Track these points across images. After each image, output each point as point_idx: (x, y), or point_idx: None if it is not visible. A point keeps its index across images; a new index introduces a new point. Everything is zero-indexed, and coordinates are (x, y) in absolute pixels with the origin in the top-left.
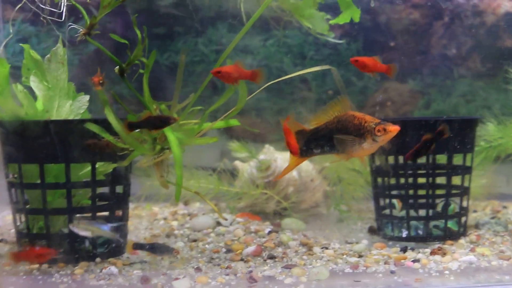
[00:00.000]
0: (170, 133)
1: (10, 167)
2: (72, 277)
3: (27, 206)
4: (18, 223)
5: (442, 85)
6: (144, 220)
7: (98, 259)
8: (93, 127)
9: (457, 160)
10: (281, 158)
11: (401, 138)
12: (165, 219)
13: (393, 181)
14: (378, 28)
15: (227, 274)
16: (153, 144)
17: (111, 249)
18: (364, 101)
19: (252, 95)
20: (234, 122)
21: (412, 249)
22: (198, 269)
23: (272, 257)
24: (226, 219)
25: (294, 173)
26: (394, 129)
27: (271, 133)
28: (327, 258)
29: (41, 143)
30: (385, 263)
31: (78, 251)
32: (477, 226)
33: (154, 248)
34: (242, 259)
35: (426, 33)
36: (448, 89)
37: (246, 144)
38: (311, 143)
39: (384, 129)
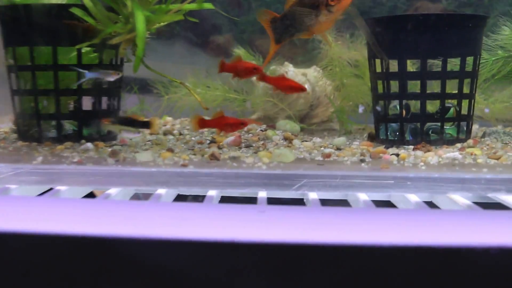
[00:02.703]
0: (138, 11)
1: (8, 51)
2: (51, 151)
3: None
4: (17, 107)
5: (478, 4)
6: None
7: (83, 141)
8: (77, 11)
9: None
10: (293, 70)
11: (398, 35)
12: (173, 125)
13: (392, 83)
14: None
15: (194, 154)
16: (125, 24)
17: (99, 136)
18: None
19: None
20: (208, 5)
21: (398, 147)
22: (170, 150)
23: (248, 146)
24: (207, 108)
25: (306, 85)
26: None
27: (299, 55)
28: (303, 149)
29: (30, 27)
30: (361, 155)
31: (65, 135)
32: (483, 136)
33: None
34: (218, 147)
35: None
36: (486, 8)
37: (255, 54)
38: (282, 28)
39: None
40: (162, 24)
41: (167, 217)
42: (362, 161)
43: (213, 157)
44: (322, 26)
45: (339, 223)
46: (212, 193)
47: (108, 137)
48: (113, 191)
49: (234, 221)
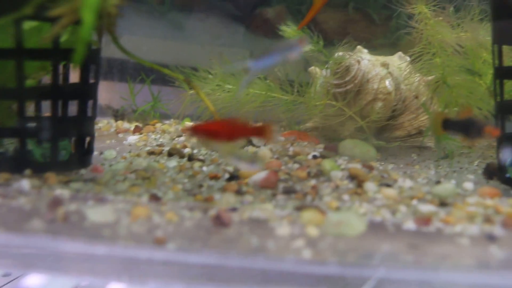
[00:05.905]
0: None
1: None
2: None
3: None
4: None
5: None
6: (166, 135)
7: (28, 171)
8: None
9: None
10: (369, 59)
11: None
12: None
13: None
14: None
15: (191, 210)
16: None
17: (54, 161)
18: None
19: None
20: None
21: None
22: (154, 198)
23: (289, 192)
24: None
25: (386, 82)
26: None
27: (377, 36)
28: (382, 201)
29: None
30: (486, 220)
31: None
32: None
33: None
34: (238, 190)
35: None
36: None
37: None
38: None
39: None
40: None
41: None
42: (490, 238)
43: (219, 221)
44: None
45: None
46: None
47: (78, 160)
48: (34, 281)
49: None
